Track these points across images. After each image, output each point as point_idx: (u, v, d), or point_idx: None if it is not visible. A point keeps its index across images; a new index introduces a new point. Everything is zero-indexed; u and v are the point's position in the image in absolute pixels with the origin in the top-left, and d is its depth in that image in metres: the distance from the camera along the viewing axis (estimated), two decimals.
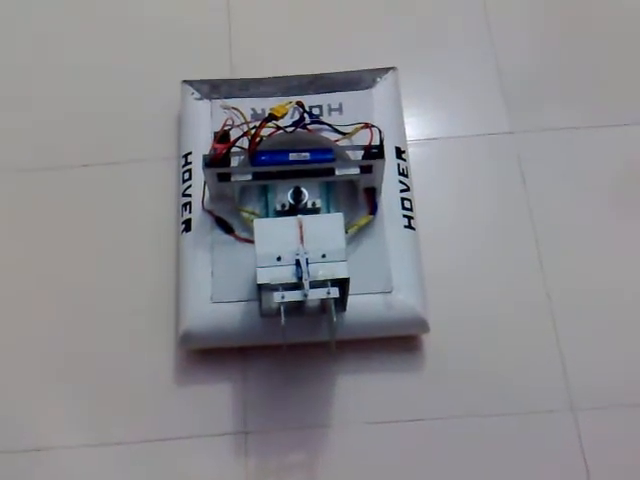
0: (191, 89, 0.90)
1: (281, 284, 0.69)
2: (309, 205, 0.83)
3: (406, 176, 0.85)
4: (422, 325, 0.79)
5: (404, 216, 0.83)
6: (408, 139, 0.90)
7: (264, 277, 0.70)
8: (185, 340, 0.79)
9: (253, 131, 0.79)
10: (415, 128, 0.94)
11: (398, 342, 0.81)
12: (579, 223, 0.89)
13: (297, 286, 0.69)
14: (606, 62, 0.99)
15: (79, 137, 0.94)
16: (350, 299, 0.76)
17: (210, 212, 0.82)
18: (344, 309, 0.76)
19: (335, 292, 0.69)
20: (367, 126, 0.81)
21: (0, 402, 0.80)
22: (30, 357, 0.82)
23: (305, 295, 0.69)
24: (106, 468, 0.78)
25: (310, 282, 0.69)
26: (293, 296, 0.69)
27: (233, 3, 1.03)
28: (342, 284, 0.71)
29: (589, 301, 0.84)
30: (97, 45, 1.00)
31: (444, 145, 0.94)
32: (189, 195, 0.84)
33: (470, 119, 0.96)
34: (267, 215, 0.84)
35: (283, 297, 0.69)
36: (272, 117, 0.79)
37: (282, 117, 0.80)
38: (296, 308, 0.73)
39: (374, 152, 0.77)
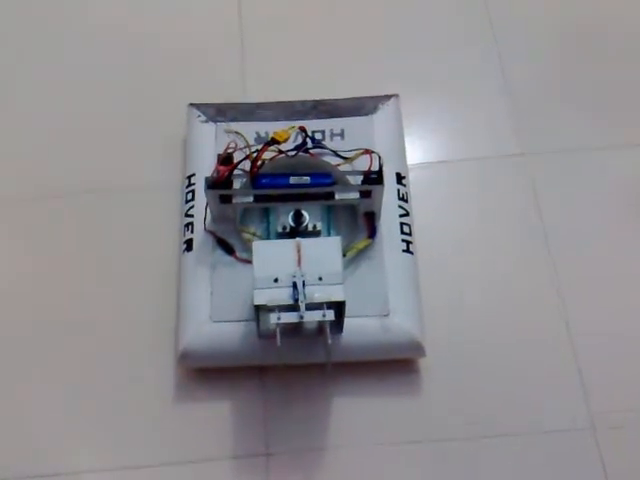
0: (197, 112, 0.92)
1: (277, 306, 0.70)
2: (310, 228, 0.84)
3: (406, 201, 0.87)
4: (418, 349, 0.80)
5: (403, 240, 0.84)
6: (418, 162, 0.93)
7: (261, 298, 0.71)
8: (184, 359, 0.80)
9: (255, 154, 0.81)
10: (423, 150, 0.96)
11: (395, 365, 0.82)
12: (595, 245, 0.89)
13: (293, 308, 0.71)
14: (619, 82, 1.00)
15: (85, 161, 0.96)
16: (347, 321, 0.77)
17: (212, 233, 0.83)
18: (341, 331, 0.77)
19: (331, 315, 0.70)
20: (367, 152, 0.83)
21: None
22: (29, 372, 0.84)
23: (301, 317, 0.70)
24: None
25: (306, 304, 0.70)
26: (289, 318, 0.70)
27: (245, 30, 1.05)
28: (338, 307, 0.72)
29: (607, 322, 0.85)
30: (105, 68, 1.03)
31: (454, 168, 0.95)
32: (191, 215, 0.86)
33: (480, 141, 0.97)
34: (268, 237, 0.85)
35: (279, 318, 0.70)
36: (274, 141, 0.81)
37: (284, 141, 0.82)
38: (293, 329, 0.74)
39: (373, 177, 0.78)
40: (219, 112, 0.92)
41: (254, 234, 0.85)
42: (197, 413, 0.81)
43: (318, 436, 0.79)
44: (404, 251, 0.83)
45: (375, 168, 0.80)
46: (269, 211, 0.86)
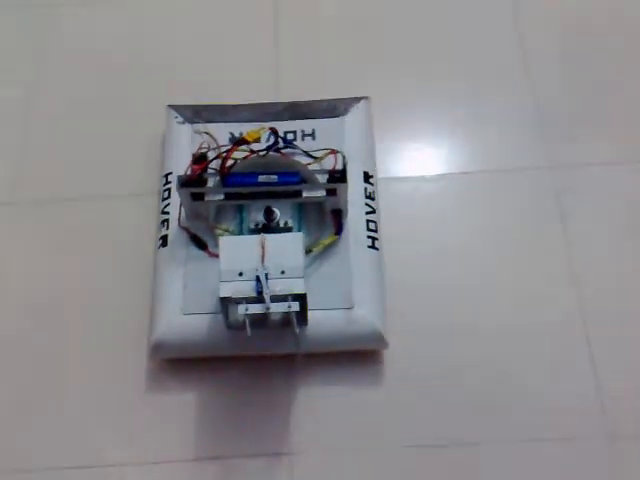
0: (175, 113, 0.96)
1: (242, 298, 0.74)
2: (281, 224, 0.88)
3: (372, 199, 0.90)
4: (381, 340, 0.83)
5: (368, 237, 0.87)
6: (441, 172, 0.96)
7: (226, 291, 0.74)
8: (156, 350, 0.84)
9: (225, 154, 0.84)
10: (446, 161, 0.99)
11: (360, 356, 0.85)
12: (621, 262, 0.90)
13: (259, 300, 0.74)
14: None
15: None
16: (312, 314, 0.81)
17: (185, 229, 0.87)
18: (305, 323, 0.80)
19: (296, 306, 0.74)
20: (333, 152, 0.87)
21: None
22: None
23: (267, 308, 0.73)
24: None
25: (272, 296, 0.74)
26: (256, 309, 0.73)
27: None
28: (300, 299, 0.76)
29: (628, 339, 0.86)
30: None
31: (478, 179, 0.97)
32: (167, 213, 0.89)
33: (505, 153, 0.98)
34: (241, 233, 0.88)
35: (247, 309, 0.73)
36: (243, 141, 0.84)
37: (254, 141, 0.85)
38: (260, 321, 0.77)
39: (337, 176, 0.82)
40: (195, 113, 0.95)
41: (227, 230, 0.88)
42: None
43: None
44: (369, 247, 0.87)
45: (340, 167, 0.84)
46: (242, 208, 0.90)
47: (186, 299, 0.84)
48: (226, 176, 0.83)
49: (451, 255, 0.91)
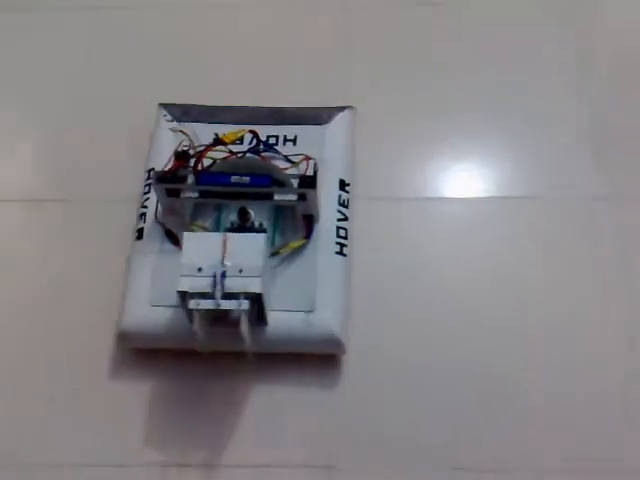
0: (164, 111, 0.99)
1: (198, 293, 0.76)
2: (256, 225, 0.90)
3: (346, 207, 0.92)
4: (339, 345, 0.85)
5: (337, 243, 0.89)
6: (487, 194, 0.97)
7: (184, 285, 0.77)
8: (121, 339, 0.86)
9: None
10: (499, 185, 0.99)
11: (318, 360, 0.87)
12: None
13: (213, 296, 0.76)
14: None
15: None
16: (273, 314, 0.83)
17: (161, 224, 0.90)
18: (266, 323, 0.82)
19: (246, 305, 0.76)
20: (307, 158, 0.89)
21: None
22: None
23: (218, 305, 0.75)
24: None
25: (225, 294, 0.76)
26: (206, 304, 0.75)
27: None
28: (257, 299, 0.77)
29: None
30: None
31: (532, 204, 0.96)
32: (146, 207, 0.92)
33: (560, 180, 0.97)
34: (217, 231, 0.91)
35: (198, 304, 0.76)
36: (220, 142, 0.87)
37: (231, 143, 0.88)
38: (219, 318, 0.80)
39: (307, 181, 0.84)
40: (184, 112, 0.98)
41: (203, 228, 0.91)
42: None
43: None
44: (337, 253, 0.88)
45: (310, 173, 0.86)
46: (221, 208, 0.92)
47: (154, 291, 0.86)
48: (200, 174, 0.85)
49: (509, 281, 0.91)
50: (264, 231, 0.89)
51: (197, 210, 0.92)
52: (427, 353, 0.88)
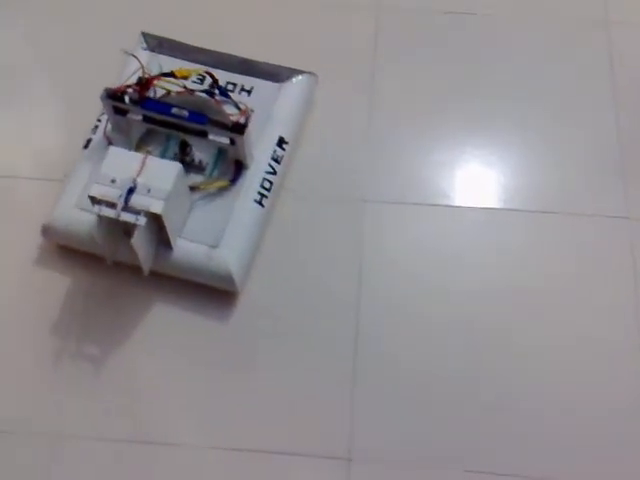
0: (142, 40, 1.05)
1: (105, 201, 0.83)
2: (196, 161, 0.96)
3: (278, 163, 0.97)
4: (232, 283, 0.91)
5: (259, 193, 0.95)
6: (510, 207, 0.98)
7: (94, 191, 0.84)
8: (44, 232, 0.94)
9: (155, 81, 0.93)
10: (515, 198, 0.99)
11: (216, 294, 0.93)
12: None
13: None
14: None
15: None
16: (181, 242, 0.90)
17: (108, 138, 0.97)
18: (170, 248, 0.89)
19: (142, 221, 0.82)
20: (246, 109, 0.94)
21: None
22: None
23: (118, 215, 0.82)
24: None
25: (128, 207, 0.82)
26: (107, 212, 0.83)
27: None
28: (159, 220, 0.84)
29: None
30: None
31: (556, 220, 0.97)
32: (100, 121, 0.99)
33: (585, 197, 0.98)
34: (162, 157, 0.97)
35: (100, 210, 0.83)
36: (171, 74, 0.93)
37: (182, 78, 0.94)
38: (128, 233, 0.86)
39: (236, 128, 0.89)
40: (160, 45, 1.05)
41: (148, 152, 0.97)
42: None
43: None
44: (256, 201, 0.94)
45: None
46: (170, 139, 0.98)
47: (83, 196, 0.93)
48: (144, 100, 0.92)
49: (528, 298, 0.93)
50: (203, 168, 0.96)
51: (149, 136, 0.98)
52: (422, 351, 0.92)
